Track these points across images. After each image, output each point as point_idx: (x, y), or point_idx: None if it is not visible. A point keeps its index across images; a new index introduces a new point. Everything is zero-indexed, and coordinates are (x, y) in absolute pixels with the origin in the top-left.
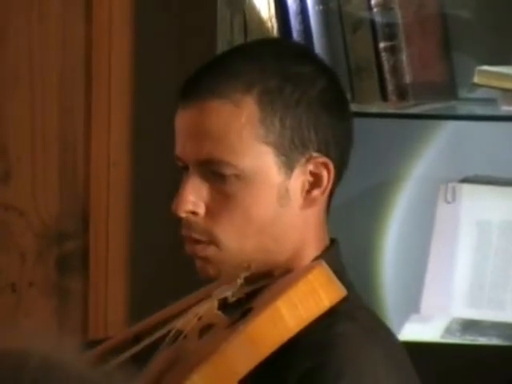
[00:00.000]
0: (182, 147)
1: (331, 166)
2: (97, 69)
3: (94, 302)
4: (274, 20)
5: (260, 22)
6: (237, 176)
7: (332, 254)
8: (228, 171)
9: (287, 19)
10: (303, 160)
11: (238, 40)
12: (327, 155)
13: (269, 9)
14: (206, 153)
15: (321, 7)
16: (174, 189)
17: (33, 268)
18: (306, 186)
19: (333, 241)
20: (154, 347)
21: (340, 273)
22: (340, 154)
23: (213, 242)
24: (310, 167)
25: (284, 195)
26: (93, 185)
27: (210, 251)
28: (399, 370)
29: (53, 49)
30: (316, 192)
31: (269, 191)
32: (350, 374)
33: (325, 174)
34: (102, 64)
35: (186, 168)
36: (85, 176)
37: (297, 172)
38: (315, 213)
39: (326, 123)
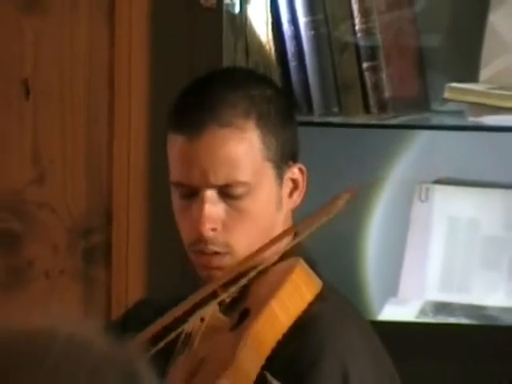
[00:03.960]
0: (190, 175)
1: (305, 170)
2: (119, 84)
3: (116, 289)
4: (271, 43)
5: (259, 45)
6: (248, 192)
7: (300, 243)
8: (242, 190)
9: (283, 43)
10: (287, 169)
11: (241, 60)
12: (297, 161)
13: (267, 34)
14: (223, 178)
15: (312, 32)
16: None
17: (63, 258)
18: (288, 191)
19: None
20: (167, 348)
21: (308, 257)
22: (298, 156)
23: (229, 252)
24: (291, 175)
25: (279, 202)
26: (115, 186)
27: (226, 261)
28: (369, 339)
29: (80, 67)
30: (296, 195)
31: (270, 201)
32: (328, 350)
33: (300, 178)
34: (123, 80)
35: (191, 192)
36: (108, 178)
37: (284, 181)
38: (290, 210)
39: (294, 134)
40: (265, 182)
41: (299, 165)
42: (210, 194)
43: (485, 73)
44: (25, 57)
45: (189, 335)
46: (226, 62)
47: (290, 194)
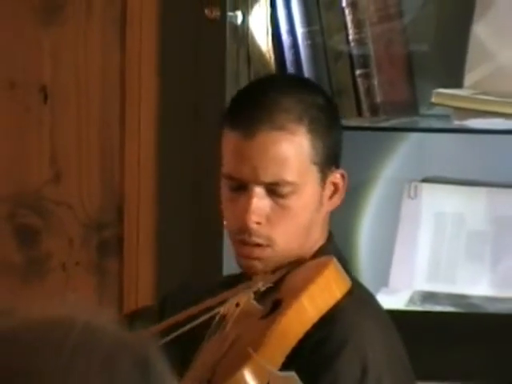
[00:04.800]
0: (241, 170)
1: (346, 175)
2: (129, 90)
3: (128, 279)
4: (271, 52)
5: (260, 54)
6: (293, 192)
7: (333, 242)
8: (288, 189)
9: (282, 52)
10: (330, 173)
11: (243, 68)
12: (339, 166)
13: (267, 43)
14: (272, 176)
15: (309, 42)
16: (192, 186)
17: (79, 251)
18: (329, 194)
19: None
20: (199, 328)
21: (340, 256)
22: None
23: (270, 245)
24: (333, 179)
25: (319, 203)
26: (127, 184)
27: (266, 253)
28: (389, 335)
29: (94, 74)
30: (336, 197)
31: (312, 202)
32: (350, 342)
33: (341, 182)
34: (133, 87)
35: (240, 186)
36: (120, 177)
37: (327, 184)
38: (329, 212)
39: (339, 141)
40: (309, 184)
41: (341, 170)
42: (259, 190)
43: (469, 79)
44: (43, 65)
45: (223, 318)
46: (229, 69)
47: (331, 197)
